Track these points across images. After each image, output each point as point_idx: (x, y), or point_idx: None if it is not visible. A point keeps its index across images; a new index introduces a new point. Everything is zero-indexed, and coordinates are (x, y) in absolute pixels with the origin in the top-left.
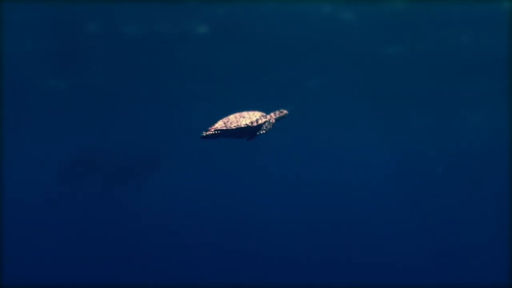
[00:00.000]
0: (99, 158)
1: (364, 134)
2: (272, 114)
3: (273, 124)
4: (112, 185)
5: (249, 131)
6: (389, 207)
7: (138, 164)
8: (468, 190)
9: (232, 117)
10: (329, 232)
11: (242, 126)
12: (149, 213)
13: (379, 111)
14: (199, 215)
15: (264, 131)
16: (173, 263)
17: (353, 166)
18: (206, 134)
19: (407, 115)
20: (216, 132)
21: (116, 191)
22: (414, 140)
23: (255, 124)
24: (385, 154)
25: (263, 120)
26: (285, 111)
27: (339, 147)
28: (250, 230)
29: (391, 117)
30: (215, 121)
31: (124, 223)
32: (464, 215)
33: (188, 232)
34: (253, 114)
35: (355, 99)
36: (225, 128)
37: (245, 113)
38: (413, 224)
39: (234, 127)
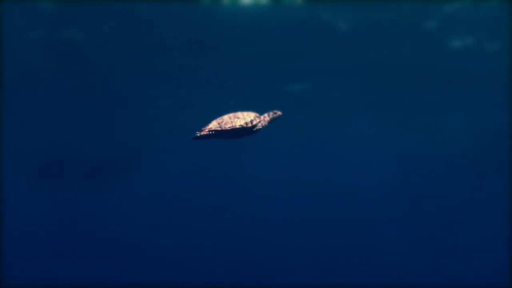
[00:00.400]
0: (76, 157)
1: (358, 137)
2: (266, 114)
3: (268, 122)
4: (89, 183)
5: (244, 132)
6: (385, 208)
7: (116, 163)
8: (466, 190)
9: (226, 118)
10: (322, 233)
11: (237, 127)
12: (133, 212)
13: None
14: (180, 214)
15: (260, 127)
16: (152, 262)
17: (347, 168)
18: (200, 134)
19: (401, 118)
20: (210, 132)
21: (93, 189)
22: (410, 143)
23: (249, 125)
24: (380, 157)
25: (257, 120)
26: (279, 112)
27: (330, 149)
28: (245, 231)
29: (385, 121)
30: (204, 123)
31: (103, 221)
32: (464, 215)
33: (167, 230)
34: (247, 114)
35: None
36: (219, 128)
37: (239, 114)
38: (412, 224)
39: (229, 128)
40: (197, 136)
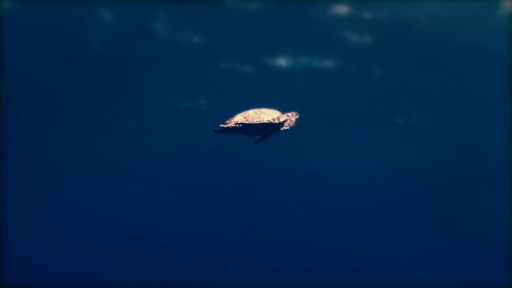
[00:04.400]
0: None
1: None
2: (289, 114)
3: (294, 123)
4: None
5: (268, 128)
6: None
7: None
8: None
9: (251, 112)
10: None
11: (265, 121)
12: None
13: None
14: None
15: (287, 126)
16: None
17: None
18: (227, 127)
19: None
20: (237, 125)
21: None
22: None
23: (277, 121)
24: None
25: (284, 118)
26: (298, 114)
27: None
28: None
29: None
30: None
31: None
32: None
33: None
34: (273, 111)
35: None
36: (246, 122)
37: (264, 109)
38: (412, 226)
39: (256, 122)
40: (220, 128)
